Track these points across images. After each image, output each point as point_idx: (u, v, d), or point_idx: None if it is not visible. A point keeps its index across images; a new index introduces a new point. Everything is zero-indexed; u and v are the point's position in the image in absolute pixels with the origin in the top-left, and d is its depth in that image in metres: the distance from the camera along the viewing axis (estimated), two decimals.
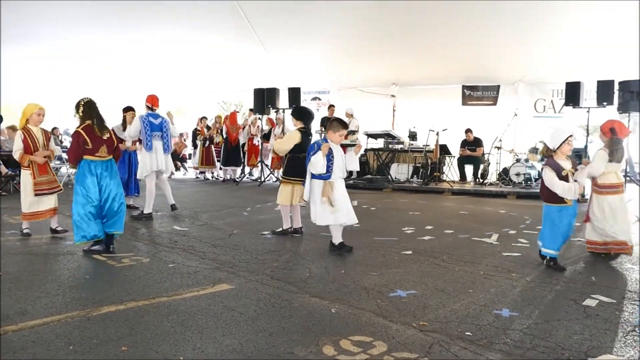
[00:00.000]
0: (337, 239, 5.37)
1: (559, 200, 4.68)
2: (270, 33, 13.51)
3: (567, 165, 4.73)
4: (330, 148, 5.24)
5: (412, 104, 15.36)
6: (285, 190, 6.07)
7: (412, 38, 12.77)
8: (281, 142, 6.13)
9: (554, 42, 11.85)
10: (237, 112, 16.97)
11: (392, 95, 15.27)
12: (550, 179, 4.67)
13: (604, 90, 10.57)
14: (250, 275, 4.36)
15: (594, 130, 11.87)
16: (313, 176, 5.31)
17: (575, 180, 4.75)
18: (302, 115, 6.14)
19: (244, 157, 14.67)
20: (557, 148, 4.72)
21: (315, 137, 6.96)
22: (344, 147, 13.91)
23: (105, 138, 5.17)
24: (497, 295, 3.90)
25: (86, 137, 5.02)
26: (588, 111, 10.70)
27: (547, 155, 4.85)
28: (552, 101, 13.93)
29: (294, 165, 6.03)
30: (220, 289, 3.91)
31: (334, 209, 5.19)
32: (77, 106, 5.16)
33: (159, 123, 7.66)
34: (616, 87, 10.44)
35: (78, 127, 5.10)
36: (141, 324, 3.14)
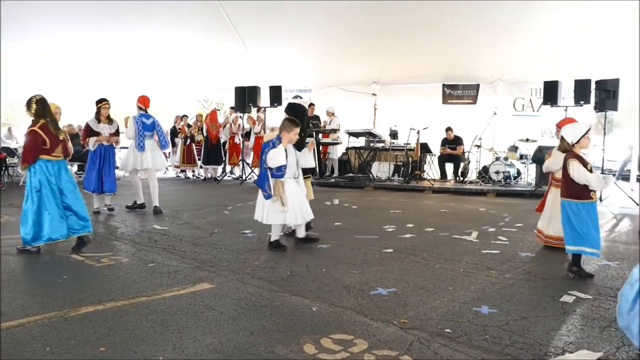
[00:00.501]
0: (300, 233, 5.62)
1: (587, 195, 4.44)
2: (252, 31, 13.47)
3: (588, 159, 4.60)
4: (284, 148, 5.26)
5: (393, 102, 15.41)
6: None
7: (393, 37, 12.82)
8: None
9: (533, 42, 12.01)
10: (218, 110, 16.85)
11: (373, 94, 15.31)
12: (583, 172, 4.38)
13: (581, 90, 10.73)
14: (231, 274, 4.34)
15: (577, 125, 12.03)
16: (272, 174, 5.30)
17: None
18: (296, 112, 5.77)
19: (225, 155, 14.60)
20: (577, 142, 4.53)
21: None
22: (325, 145, 13.95)
23: (61, 138, 5.11)
24: (476, 292, 3.94)
25: (45, 136, 4.94)
26: (566, 110, 10.84)
27: (567, 150, 4.60)
28: (530, 100, 14.09)
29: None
30: (201, 288, 3.89)
31: (284, 209, 5.20)
32: (29, 103, 5.01)
33: (151, 123, 7.88)
34: (593, 86, 10.60)
35: (34, 126, 4.96)
36: (120, 324, 3.11)
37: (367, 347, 2.84)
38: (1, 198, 8.71)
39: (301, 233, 5.64)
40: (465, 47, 12.72)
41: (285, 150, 5.26)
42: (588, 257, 4.64)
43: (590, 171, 4.47)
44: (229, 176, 14.62)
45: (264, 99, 13.23)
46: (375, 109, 15.39)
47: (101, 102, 7.74)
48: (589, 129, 4.64)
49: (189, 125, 15.02)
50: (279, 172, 5.23)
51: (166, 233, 6.15)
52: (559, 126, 5.28)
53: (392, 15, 11.99)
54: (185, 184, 13.33)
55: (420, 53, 13.31)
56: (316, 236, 5.71)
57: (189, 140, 14.58)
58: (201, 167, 14.92)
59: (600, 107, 10.43)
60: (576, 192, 4.46)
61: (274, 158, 5.16)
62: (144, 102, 7.89)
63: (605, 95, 10.27)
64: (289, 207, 5.22)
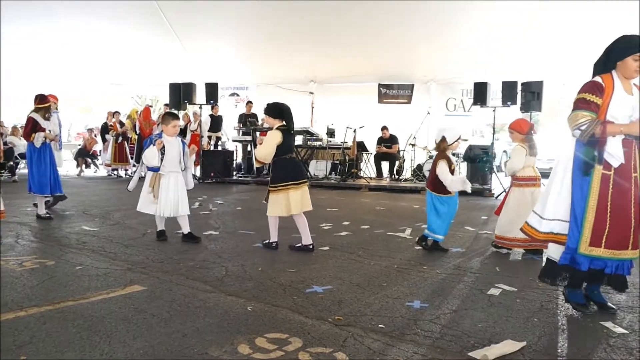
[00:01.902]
0: (160, 226, 5.77)
1: (446, 191, 5.34)
2: (187, 27, 13.21)
3: (454, 160, 5.44)
4: (163, 142, 5.44)
5: (330, 101, 15.56)
6: (278, 200, 5.27)
7: (330, 36, 12.93)
8: (262, 147, 5.33)
9: (463, 44, 12.43)
10: (151, 107, 16.43)
11: (311, 93, 15.39)
12: (445, 172, 5.27)
13: (509, 91, 11.21)
14: (164, 275, 4.24)
15: (500, 129, 12.59)
16: (148, 168, 5.57)
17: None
18: (281, 112, 5.41)
19: None
20: (451, 144, 5.45)
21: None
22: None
23: None
24: (409, 287, 4.04)
25: None
26: (494, 110, 11.30)
27: (441, 149, 5.45)
28: (462, 100, 14.60)
29: (283, 168, 5.29)
30: (132, 291, 3.77)
31: (155, 200, 5.50)
32: None
33: (59, 122, 7.68)
34: (519, 87, 11.10)
35: None
36: (43, 330, 2.97)
37: (301, 345, 2.85)
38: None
39: (185, 229, 5.71)
40: (400, 48, 13.01)
41: (164, 144, 5.44)
42: (519, 253, 5.28)
43: (453, 172, 5.32)
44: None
45: (200, 96, 13.00)
46: (312, 108, 15.47)
47: (49, 98, 7.29)
48: (460, 136, 5.58)
49: (121, 123, 14.53)
50: (155, 167, 5.46)
51: (96, 234, 5.93)
52: (512, 127, 5.40)
53: (329, 14, 12.10)
54: (118, 183, 12.90)
55: (356, 52, 13.50)
56: (198, 239, 5.71)
57: (120, 138, 14.11)
58: (134, 165, 14.48)
59: (526, 107, 10.94)
60: (439, 187, 5.35)
61: (148, 159, 5.41)
62: (56, 99, 7.64)
63: (530, 96, 10.79)
64: (164, 199, 5.50)
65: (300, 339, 2.92)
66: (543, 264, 3.84)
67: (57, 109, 7.63)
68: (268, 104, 5.51)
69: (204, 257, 4.97)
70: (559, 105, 12.67)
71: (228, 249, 5.35)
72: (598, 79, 3.31)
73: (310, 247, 5.33)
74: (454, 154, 12.75)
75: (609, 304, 3.54)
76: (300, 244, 5.36)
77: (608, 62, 3.35)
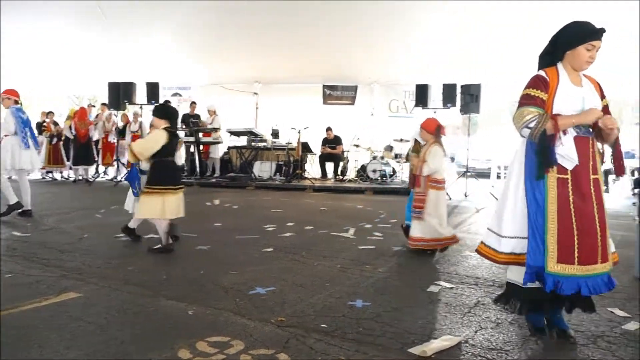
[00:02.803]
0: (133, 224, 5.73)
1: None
2: (127, 24, 12.86)
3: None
4: None
5: (275, 102, 15.52)
6: (153, 202, 5.14)
7: (274, 36, 12.90)
8: (143, 142, 5.28)
9: (406, 46, 12.69)
10: (94, 106, 15.87)
11: (255, 93, 15.30)
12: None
13: (448, 93, 11.53)
14: (102, 281, 4.10)
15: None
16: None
17: None
18: (167, 113, 5.42)
19: (97, 155, 13.79)
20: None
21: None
22: (207, 144, 13.66)
23: None
24: (352, 287, 4.08)
25: None
26: (435, 112, 11.58)
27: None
28: (404, 102, 14.90)
29: (162, 170, 5.23)
30: (66, 298, 3.63)
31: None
32: None
33: (27, 118, 7.30)
34: (458, 90, 11.43)
35: None
36: None
37: (243, 347, 2.83)
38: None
39: (133, 224, 5.69)
40: (344, 49, 13.14)
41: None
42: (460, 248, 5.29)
43: None
44: (102, 177, 13.82)
45: (140, 95, 12.68)
46: (257, 108, 15.39)
47: None
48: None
49: (55, 123, 13.97)
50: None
51: (27, 240, 5.67)
52: (423, 127, 5.49)
53: (274, 14, 12.07)
54: (53, 186, 12.41)
55: (301, 53, 13.53)
56: (138, 237, 5.74)
57: (55, 139, 13.57)
58: (70, 167, 13.97)
59: (465, 109, 11.28)
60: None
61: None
62: (16, 94, 7.23)
63: (469, 98, 11.14)
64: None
65: (242, 342, 2.90)
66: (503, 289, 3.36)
67: (18, 103, 7.25)
68: (156, 105, 5.61)
69: (144, 261, 4.85)
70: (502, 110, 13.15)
71: (169, 253, 5.24)
72: (541, 72, 2.96)
73: (171, 246, 5.25)
74: (396, 155, 13.05)
75: (570, 331, 3.07)
76: (159, 246, 5.27)
77: (556, 52, 3.00)
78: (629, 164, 14.10)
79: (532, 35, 9.81)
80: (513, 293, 3.09)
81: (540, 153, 2.81)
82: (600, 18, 10.08)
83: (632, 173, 12.92)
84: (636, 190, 5.21)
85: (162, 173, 5.20)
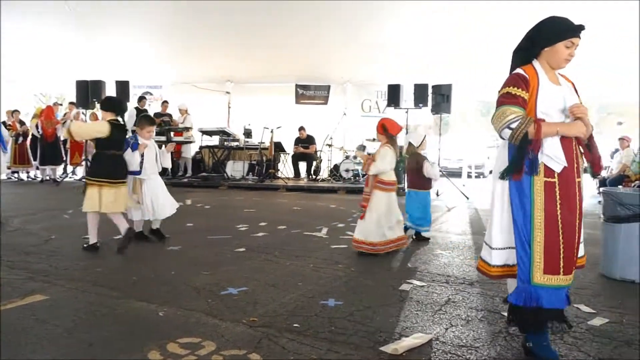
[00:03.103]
0: (156, 224, 5.82)
1: (429, 186, 6.15)
2: (95, 21, 12.60)
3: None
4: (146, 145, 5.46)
5: (247, 101, 15.44)
6: (90, 194, 5.10)
7: (246, 35, 12.83)
8: (84, 126, 5.41)
9: (378, 46, 12.74)
10: (61, 105, 15.51)
11: (227, 92, 15.19)
12: (434, 169, 6.08)
13: (420, 93, 11.64)
14: (69, 283, 4.02)
15: (414, 130, 13.02)
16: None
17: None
18: (112, 105, 5.33)
19: (66, 154, 13.51)
20: (418, 146, 6.13)
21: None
22: (178, 144, 13.52)
23: None
24: (324, 286, 4.08)
25: None
26: (407, 112, 11.69)
27: (413, 152, 6.15)
28: (376, 102, 14.99)
29: (102, 163, 5.18)
30: (32, 301, 3.55)
31: (138, 205, 5.49)
32: None
33: None
34: (430, 90, 11.55)
35: None
36: None
37: (215, 348, 2.81)
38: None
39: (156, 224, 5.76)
40: (317, 49, 13.14)
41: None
42: (432, 246, 5.40)
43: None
44: (71, 177, 13.55)
45: (110, 94, 12.45)
46: (229, 108, 15.29)
47: None
48: (425, 136, 6.32)
49: (21, 122, 13.64)
50: (137, 171, 5.39)
51: None
52: (394, 128, 5.44)
53: (247, 13, 11.99)
54: (19, 186, 12.11)
55: (274, 53, 13.48)
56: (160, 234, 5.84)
57: (21, 138, 13.26)
58: (37, 167, 13.66)
59: (436, 109, 11.40)
60: (425, 183, 6.11)
61: (130, 163, 5.33)
62: None
63: (440, 98, 11.26)
64: (146, 203, 5.49)
65: (214, 342, 2.88)
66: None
67: None
68: (103, 97, 5.68)
69: (113, 262, 4.77)
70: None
71: (139, 253, 5.17)
72: (520, 71, 2.76)
73: (130, 231, 5.20)
74: (369, 155, 13.11)
75: None
76: (87, 245, 5.29)
77: (532, 49, 2.81)
78: None
79: (504, 35, 9.96)
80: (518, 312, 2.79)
81: (517, 156, 2.64)
82: (601, 18, 10.24)
83: None
84: (601, 189, 5.32)
85: (100, 165, 5.19)
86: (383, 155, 5.20)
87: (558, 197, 2.65)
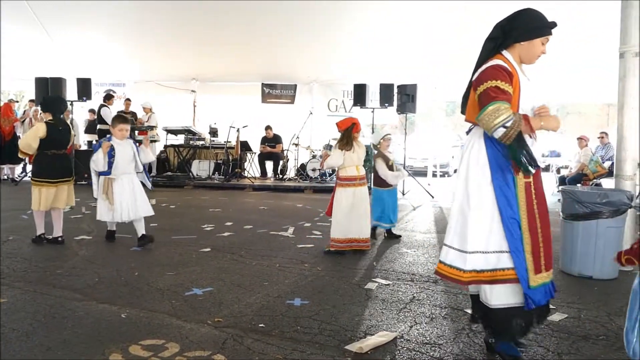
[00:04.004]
0: (140, 231, 5.51)
1: (388, 184, 6.06)
2: (54, 16, 12.29)
3: (391, 157, 6.10)
4: (112, 145, 5.30)
5: (213, 99, 15.27)
6: (34, 194, 5.32)
7: (212, 34, 12.68)
8: (24, 138, 5.45)
9: (344, 46, 12.77)
10: (17, 102, 15.08)
11: (193, 91, 14.99)
12: (384, 170, 5.98)
13: (386, 93, 11.69)
14: (28, 285, 3.91)
15: (380, 129, 13.11)
16: (99, 173, 5.35)
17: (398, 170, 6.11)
18: (49, 105, 5.48)
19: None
20: (378, 144, 6.06)
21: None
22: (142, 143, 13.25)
23: None
24: (290, 286, 4.08)
25: None
26: (373, 111, 11.75)
27: (375, 149, 6.12)
28: (343, 101, 15.00)
29: (41, 163, 5.34)
30: None
31: (111, 207, 5.31)
32: None
33: None
34: (395, 90, 11.63)
35: None
36: None
37: (178, 349, 2.77)
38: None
39: (140, 231, 5.51)
40: (283, 48, 13.08)
41: (113, 147, 5.29)
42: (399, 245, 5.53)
43: (391, 168, 5.91)
44: (29, 176, 13.15)
45: (71, 92, 12.14)
46: (194, 106, 15.10)
47: None
48: (388, 134, 6.16)
49: None
50: (105, 171, 5.29)
51: None
52: (339, 125, 5.45)
53: (212, 11, 11.85)
54: None
55: (239, 51, 13.36)
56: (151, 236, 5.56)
57: None
58: None
59: (401, 109, 11.50)
60: (382, 182, 6.07)
61: (96, 163, 5.27)
62: None
63: (406, 98, 11.35)
64: (118, 204, 5.31)
65: (178, 344, 2.85)
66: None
67: None
68: (43, 97, 5.71)
69: (74, 263, 4.66)
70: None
71: (102, 254, 5.06)
72: (503, 63, 2.61)
73: (60, 239, 5.46)
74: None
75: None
76: (50, 236, 5.51)
77: (505, 40, 2.70)
78: (553, 162, 14.87)
79: (469, 35, 10.13)
80: (507, 317, 2.68)
81: (523, 155, 2.50)
82: (601, 18, 10.33)
83: (558, 171, 13.61)
84: (561, 188, 5.47)
85: (40, 165, 5.36)
86: (333, 151, 5.46)
87: (534, 195, 2.65)
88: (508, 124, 2.43)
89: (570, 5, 10.02)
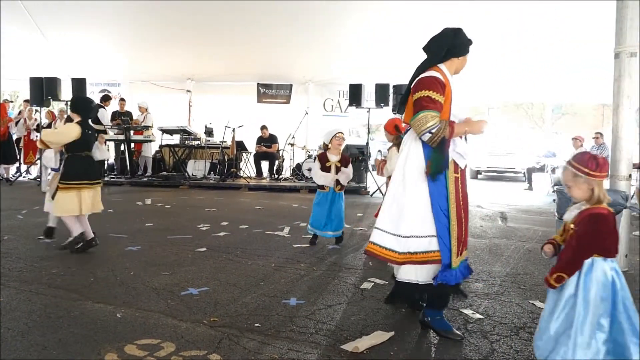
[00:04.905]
0: (52, 222, 5.56)
1: (320, 186, 5.74)
2: (48, 16, 12.25)
3: (334, 158, 5.67)
4: None
5: (209, 99, 15.25)
6: (69, 198, 5.02)
7: (207, 33, 12.68)
8: (55, 133, 5.32)
9: (340, 45, 12.76)
10: (11, 102, 15.00)
11: (188, 90, 14.96)
12: (313, 169, 5.78)
13: (381, 93, 11.72)
14: (23, 285, 3.90)
15: (375, 129, 13.12)
16: (51, 169, 5.45)
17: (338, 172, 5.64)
18: (80, 107, 5.33)
19: (19, 153, 13.08)
20: (329, 142, 5.66)
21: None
22: (138, 143, 13.25)
23: None
24: (286, 285, 4.08)
25: None
26: (368, 111, 11.77)
27: (323, 149, 5.81)
28: (339, 101, 15.00)
29: (77, 165, 5.13)
30: None
31: (51, 200, 5.28)
32: None
33: None
34: (391, 90, 11.65)
35: None
36: None
37: (174, 349, 2.77)
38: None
39: (53, 222, 5.53)
40: (279, 48, 13.07)
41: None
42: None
43: (329, 170, 5.64)
44: (24, 176, 13.11)
45: (66, 91, 12.11)
46: (190, 106, 15.07)
47: None
48: (340, 132, 5.71)
49: None
50: (57, 168, 5.33)
51: None
52: (385, 128, 5.43)
53: (207, 11, 11.85)
54: None
55: (235, 51, 13.35)
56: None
57: None
58: None
59: (398, 109, 11.51)
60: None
61: (46, 160, 5.34)
62: None
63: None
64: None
65: (173, 343, 2.84)
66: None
67: None
68: (72, 98, 5.62)
69: (69, 263, 4.65)
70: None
71: (97, 254, 5.05)
72: (437, 75, 3.00)
73: (95, 241, 5.23)
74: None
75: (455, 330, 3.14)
76: (72, 239, 5.20)
77: (443, 55, 3.08)
78: (549, 162, 14.91)
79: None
80: (410, 291, 3.14)
81: (439, 157, 2.93)
82: (596, 18, 10.31)
83: (553, 171, 13.65)
84: (556, 188, 5.48)
85: (76, 168, 5.13)
86: (391, 156, 4.93)
87: (460, 188, 3.04)
88: (434, 130, 2.85)
89: (566, 6, 10.07)
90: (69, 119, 5.40)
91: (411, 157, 3.03)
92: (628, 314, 2.20)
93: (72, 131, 5.09)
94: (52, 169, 5.44)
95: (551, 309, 2.32)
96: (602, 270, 2.22)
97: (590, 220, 2.25)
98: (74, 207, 5.06)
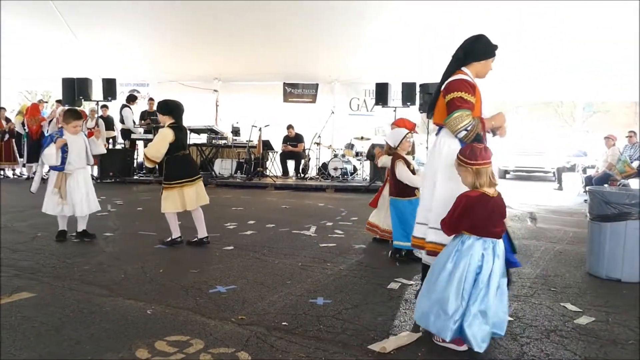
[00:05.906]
0: (62, 226, 5.63)
1: (410, 193, 4.89)
2: (80, 18, 12.50)
3: (410, 160, 5.09)
4: (65, 141, 5.37)
5: (235, 99, 15.38)
6: (172, 196, 5.29)
7: (234, 34, 12.78)
8: (153, 145, 5.29)
9: (366, 45, 12.73)
10: (46, 102, 15.33)
11: (215, 90, 15.11)
12: (407, 173, 4.85)
13: (408, 92, 11.67)
14: (56, 280, 3.99)
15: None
16: (50, 167, 5.45)
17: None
18: (170, 109, 5.42)
19: None
20: (399, 145, 5.01)
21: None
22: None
23: None
24: (312, 284, 4.09)
25: None
26: (395, 110, 11.72)
27: (391, 152, 5.09)
28: (365, 100, 14.98)
29: (176, 165, 5.34)
30: (19, 298, 3.52)
31: (61, 201, 5.39)
32: None
33: None
34: (418, 89, 11.58)
35: None
36: None
37: (203, 346, 2.80)
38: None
39: (81, 226, 5.62)
40: (305, 47, 13.11)
41: (66, 144, 5.34)
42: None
43: (413, 172, 4.94)
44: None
45: (97, 92, 12.36)
46: (217, 106, 15.21)
47: None
48: (409, 132, 5.06)
49: (7, 119, 13.49)
50: (59, 167, 5.35)
51: None
52: (396, 124, 5.46)
53: (234, 12, 11.95)
54: (5, 183, 11.95)
55: (261, 51, 13.44)
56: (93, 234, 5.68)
57: (7, 136, 13.10)
58: (24, 165, 13.51)
59: (423, 108, 11.43)
60: (401, 190, 4.94)
61: (47, 158, 5.31)
62: None
63: (428, 97, 11.28)
64: (68, 198, 5.39)
65: (202, 341, 2.88)
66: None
67: None
68: (159, 102, 5.62)
69: (101, 260, 4.74)
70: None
71: (127, 251, 5.14)
72: (468, 78, 3.28)
73: (205, 240, 5.49)
74: (357, 153, 13.15)
75: None
76: (196, 238, 5.52)
77: (465, 60, 3.36)
78: (580, 162, 14.63)
79: (493, 35, 10.02)
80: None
81: None
82: (601, 18, 10.18)
83: (584, 171, 13.39)
84: (588, 188, 5.37)
85: (175, 168, 5.34)
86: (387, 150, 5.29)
87: None
88: (469, 128, 3.12)
89: (597, 6, 9.87)
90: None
91: (452, 154, 3.11)
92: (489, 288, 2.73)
93: (167, 136, 5.23)
94: (51, 168, 5.44)
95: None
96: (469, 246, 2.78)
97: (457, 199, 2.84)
98: (178, 205, 5.33)
